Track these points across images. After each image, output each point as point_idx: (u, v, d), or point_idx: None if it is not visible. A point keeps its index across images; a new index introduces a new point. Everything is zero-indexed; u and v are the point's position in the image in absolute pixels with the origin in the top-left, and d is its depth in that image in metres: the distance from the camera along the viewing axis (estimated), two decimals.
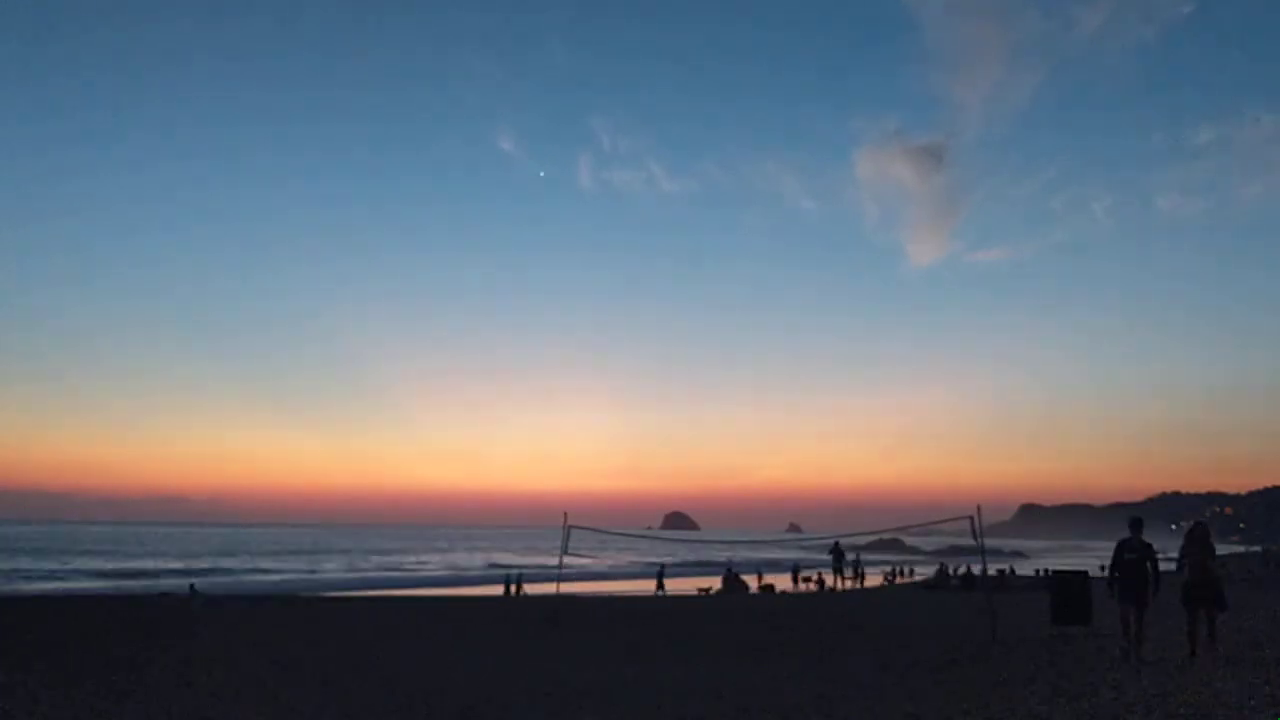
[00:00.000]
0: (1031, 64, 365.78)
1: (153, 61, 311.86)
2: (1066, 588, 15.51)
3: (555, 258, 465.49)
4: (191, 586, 30.59)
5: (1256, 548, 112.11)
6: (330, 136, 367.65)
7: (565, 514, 21.53)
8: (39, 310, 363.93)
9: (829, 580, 36.52)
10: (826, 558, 37.16)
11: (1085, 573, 16.36)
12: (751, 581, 38.47)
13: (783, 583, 39.36)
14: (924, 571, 51.25)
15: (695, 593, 34.03)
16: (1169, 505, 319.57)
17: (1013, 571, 41.07)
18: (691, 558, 66.63)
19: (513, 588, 34.70)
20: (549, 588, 29.89)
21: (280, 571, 57.57)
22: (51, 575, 49.98)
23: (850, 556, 36.99)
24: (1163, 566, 10.58)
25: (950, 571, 40.75)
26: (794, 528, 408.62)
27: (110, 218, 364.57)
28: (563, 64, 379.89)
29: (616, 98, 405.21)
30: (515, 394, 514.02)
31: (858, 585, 37.10)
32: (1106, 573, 11.22)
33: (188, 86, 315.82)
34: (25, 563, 59.54)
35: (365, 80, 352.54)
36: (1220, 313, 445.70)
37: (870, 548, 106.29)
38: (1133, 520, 10.88)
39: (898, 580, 45.20)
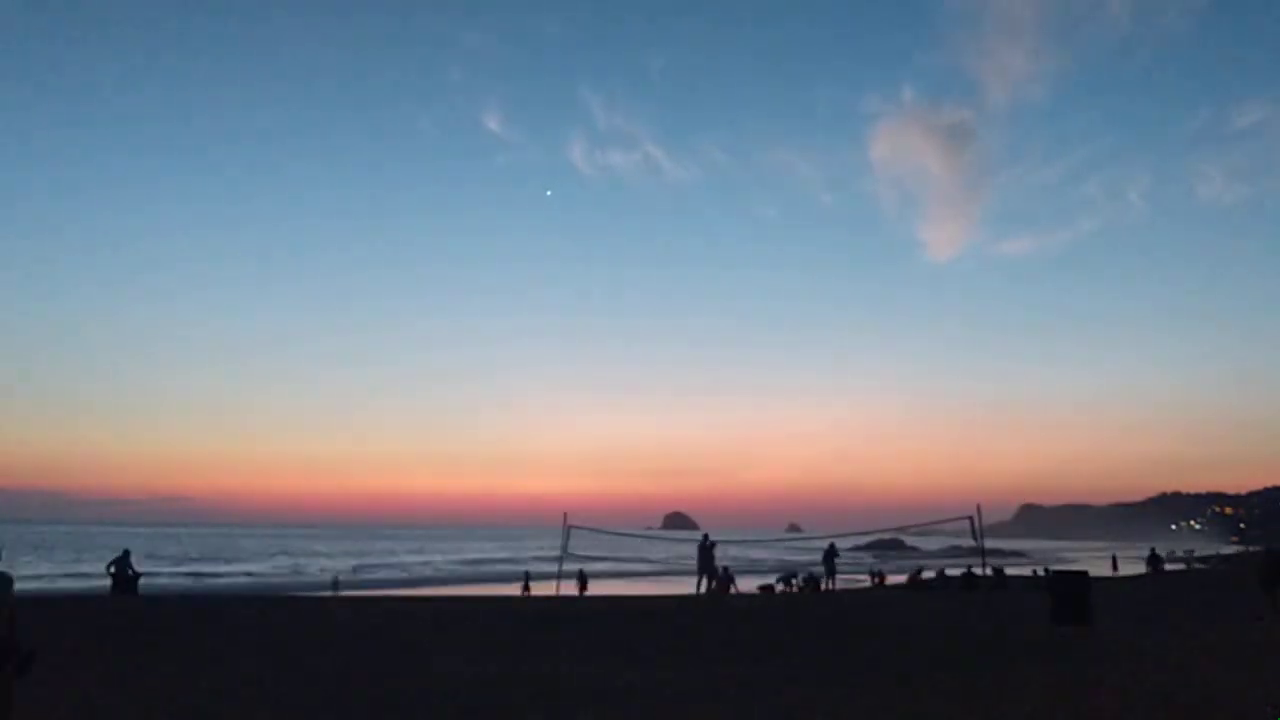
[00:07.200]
0: (1063, 37, 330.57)
1: (139, 56, 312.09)
2: (1066, 588, 15.50)
3: (553, 252, 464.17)
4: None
5: (1256, 548, 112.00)
6: (307, 114, 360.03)
7: (565, 514, 21.54)
8: (40, 310, 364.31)
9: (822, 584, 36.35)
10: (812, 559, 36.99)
11: (1085, 572, 16.36)
12: (751, 582, 38.45)
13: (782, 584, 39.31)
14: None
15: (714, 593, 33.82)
16: (1169, 505, 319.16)
17: (998, 571, 40.46)
18: (690, 557, 66.52)
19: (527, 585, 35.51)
20: (549, 588, 29.93)
21: (279, 571, 57.56)
22: (50, 574, 49.97)
23: (802, 571, 36.49)
24: None
25: (921, 576, 40.73)
26: (794, 528, 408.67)
27: (110, 220, 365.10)
28: (554, 35, 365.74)
29: (611, 71, 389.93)
30: (513, 393, 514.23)
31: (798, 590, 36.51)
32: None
33: (168, 79, 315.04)
34: (24, 562, 59.50)
35: (351, 65, 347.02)
36: (1243, 309, 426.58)
37: (870, 548, 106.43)
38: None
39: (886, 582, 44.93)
